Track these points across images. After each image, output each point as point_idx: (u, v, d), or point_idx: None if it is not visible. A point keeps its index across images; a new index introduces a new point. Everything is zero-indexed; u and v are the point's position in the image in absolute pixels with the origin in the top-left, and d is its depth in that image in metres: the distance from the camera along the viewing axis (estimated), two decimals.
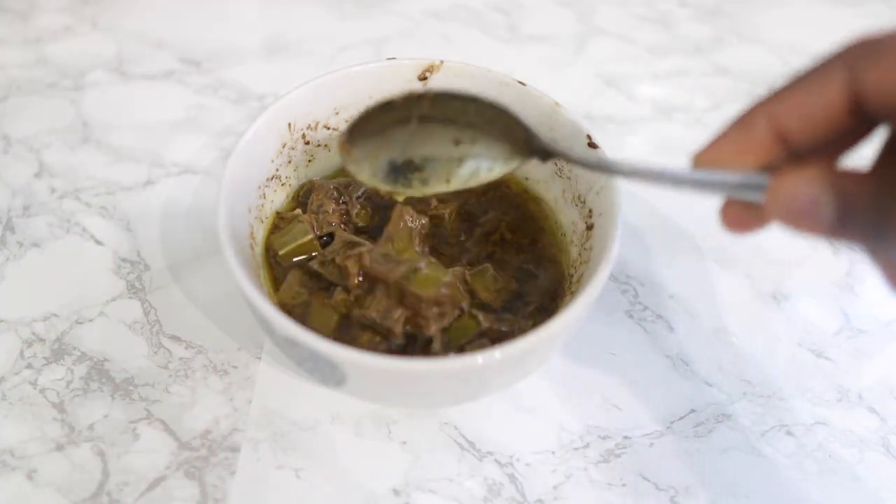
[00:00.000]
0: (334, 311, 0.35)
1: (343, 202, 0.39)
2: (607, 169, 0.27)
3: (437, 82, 0.41)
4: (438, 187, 0.32)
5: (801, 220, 0.21)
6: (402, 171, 0.32)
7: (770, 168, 0.22)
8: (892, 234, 0.19)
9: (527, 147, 0.30)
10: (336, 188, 0.39)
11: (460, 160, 0.32)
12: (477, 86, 0.41)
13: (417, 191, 0.32)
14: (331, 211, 0.38)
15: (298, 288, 0.36)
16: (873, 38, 0.20)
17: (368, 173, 0.32)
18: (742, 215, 0.23)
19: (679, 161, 0.51)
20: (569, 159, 0.29)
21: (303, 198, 0.40)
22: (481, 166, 0.31)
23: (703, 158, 0.23)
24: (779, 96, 0.22)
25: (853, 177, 0.20)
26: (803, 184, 0.20)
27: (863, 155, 0.23)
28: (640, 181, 0.25)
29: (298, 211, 0.39)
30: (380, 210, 0.40)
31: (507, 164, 0.31)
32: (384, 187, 0.32)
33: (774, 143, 0.22)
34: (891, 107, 0.20)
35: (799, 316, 0.43)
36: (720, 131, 0.23)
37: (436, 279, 0.34)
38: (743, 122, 0.23)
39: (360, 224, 0.39)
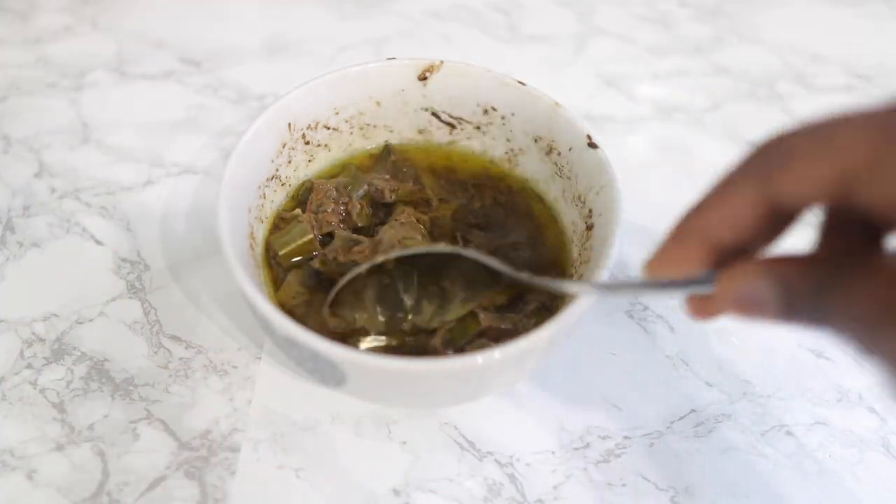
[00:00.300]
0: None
1: (343, 202, 0.39)
2: (573, 288, 0.31)
3: (438, 82, 0.41)
4: (431, 317, 0.35)
5: (751, 312, 0.22)
6: (394, 313, 0.35)
7: (719, 263, 0.23)
8: (833, 319, 0.20)
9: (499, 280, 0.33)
10: (336, 188, 0.39)
11: (444, 295, 0.35)
12: (477, 86, 0.41)
13: (415, 322, 0.35)
14: (330, 210, 0.38)
15: (298, 288, 0.36)
16: (775, 143, 0.21)
17: (365, 330, 0.35)
18: (704, 306, 0.24)
19: (679, 160, 0.52)
20: (537, 286, 0.32)
21: (302, 197, 0.40)
22: (465, 297, 0.35)
23: (653, 269, 0.25)
24: (701, 211, 0.23)
25: (794, 266, 0.21)
26: (748, 281, 0.22)
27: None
28: (608, 296, 0.29)
29: (298, 211, 0.39)
30: (380, 209, 0.40)
31: (488, 292, 0.35)
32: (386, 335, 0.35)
33: (710, 252, 0.23)
34: (812, 203, 0.21)
35: None
36: (661, 244, 0.24)
37: None
38: (676, 238, 0.24)
39: (360, 224, 0.39)
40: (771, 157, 0.21)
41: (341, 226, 0.38)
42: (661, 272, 0.24)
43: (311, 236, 0.37)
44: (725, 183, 0.22)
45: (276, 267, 0.37)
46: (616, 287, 0.28)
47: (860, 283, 0.20)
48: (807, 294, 0.21)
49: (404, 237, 0.36)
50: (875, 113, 0.19)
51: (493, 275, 0.33)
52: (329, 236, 0.38)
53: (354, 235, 0.37)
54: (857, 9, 0.67)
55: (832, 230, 0.22)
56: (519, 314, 0.36)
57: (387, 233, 0.37)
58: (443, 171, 0.43)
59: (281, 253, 0.37)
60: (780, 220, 0.22)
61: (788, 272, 0.21)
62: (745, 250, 0.23)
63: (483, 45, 0.60)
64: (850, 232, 0.22)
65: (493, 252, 0.39)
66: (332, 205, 0.39)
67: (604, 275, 0.32)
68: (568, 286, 0.32)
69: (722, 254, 0.23)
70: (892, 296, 0.19)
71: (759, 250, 0.23)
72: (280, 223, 0.38)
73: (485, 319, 0.35)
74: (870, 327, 0.19)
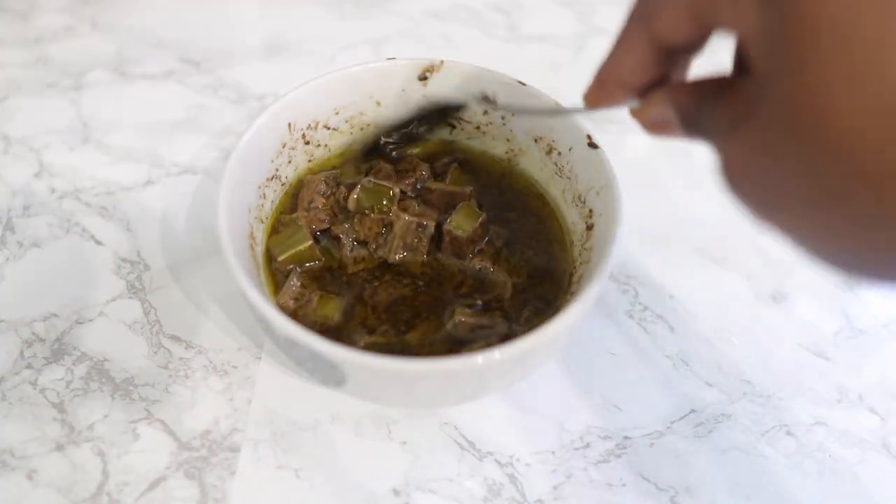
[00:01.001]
0: (336, 307, 0.36)
1: (331, 193, 0.39)
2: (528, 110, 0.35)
3: (438, 82, 0.41)
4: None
5: (663, 132, 0.26)
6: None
7: (643, 93, 0.27)
8: (706, 134, 0.24)
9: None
10: (325, 181, 0.39)
11: None
12: (477, 86, 0.41)
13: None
14: (321, 206, 0.38)
15: (299, 289, 0.36)
16: None
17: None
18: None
19: (679, 160, 0.51)
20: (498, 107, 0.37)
21: (295, 192, 0.40)
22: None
23: (590, 102, 0.28)
24: (609, 59, 0.26)
25: (688, 90, 0.25)
26: (654, 106, 0.26)
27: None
28: (550, 116, 0.34)
29: (297, 215, 0.39)
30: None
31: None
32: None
33: (629, 89, 0.26)
34: (686, 41, 0.23)
35: (799, 316, 0.43)
36: (589, 85, 0.28)
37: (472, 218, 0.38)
38: (599, 82, 0.27)
39: (351, 208, 0.39)
40: (649, 4, 0.24)
41: (326, 221, 0.39)
42: (596, 103, 0.28)
43: (309, 243, 0.37)
44: (621, 34, 0.25)
45: (276, 271, 0.37)
46: (567, 110, 0.34)
47: (717, 102, 0.23)
48: (693, 113, 0.25)
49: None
50: None
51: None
52: (323, 233, 0.38)
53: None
54: None
55: (734, 57, 0.25)
56: (518, 315, 0.36)
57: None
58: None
59: (279, 259, 0.37)
60: (677, 53, 0.25)
61: (682, 97, 0.25)
62: (666, 76, 0.26)
63: (483, 45, 0.60)
64: (738, 58, 0.24)
65: (499, 250, 0.39)
66: (322, 200, 0.39)
67: (604, 276, 0.32)
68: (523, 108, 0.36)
69: (639, 89, 0.26)
70: (733, 110, 0.22)
71: (678, 75, 0.27)
72: (279, 227, 0.38)
73: (459, 314, 0.35)
74: (720, 139, 0.22)
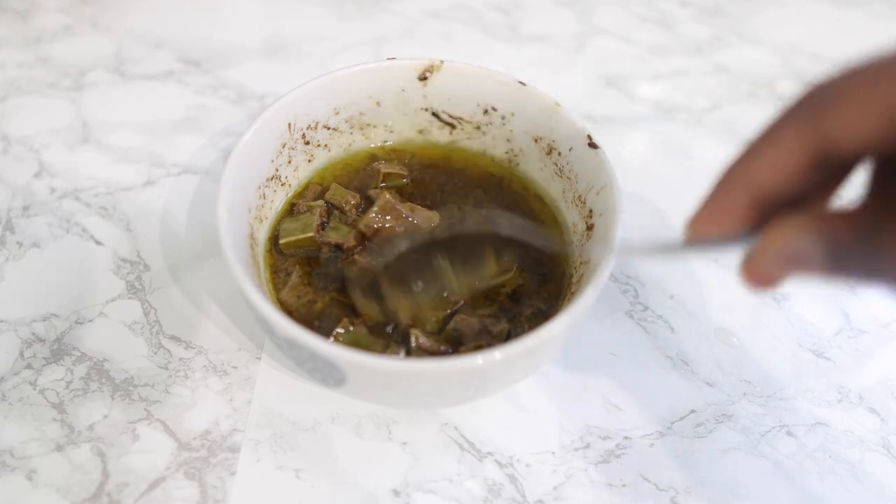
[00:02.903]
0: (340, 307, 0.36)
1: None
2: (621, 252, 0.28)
3: (438, 82, 0.41)
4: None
5: (796, 269, 0.21)
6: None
7: (763, 220, 0.22)
8: (887, 266, 0.19)
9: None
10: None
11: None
12: (477, 86, 0.41)
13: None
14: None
15: (303, 287, 0.36)
16: (826, 84, 0.20)
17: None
18: (758, 270, 0.23)
19: (679, 160, 0.52)
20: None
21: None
22: None
23: (697, 225, 0.24)
24: (747, 158, 0.22)
25: (842, 219, 0.20)
26: (792, 235, 0.20)
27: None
28: (645, 258, 0.26)
29: (321, 202, 0.39)
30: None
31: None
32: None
33: (756, 204, 0.22)
34: (864, 146, 0.19)
35: (799, 316, 0.43)
36: (705, 197, 0.23)
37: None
38: (721, 188, 0.23)
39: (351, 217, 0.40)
40: (822, 97, 0.20)
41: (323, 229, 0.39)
42: (705, 229, 0.23)
43: (311, 234, 0.37)
44: (774, 127, 0.21)
45: (277, 254, 0.38)
46: (654, 249, 0.26)
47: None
48: (855, 244, 0.19)
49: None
50: None
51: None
52: (338, 248, 0.38)
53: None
54: (857, 9, 0.67)
55: (883, 180, 0.21)
56: (518, 316, 0.36)
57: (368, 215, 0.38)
58: (444, 171, 0.43)
59: (281, 242, 0.37)
60: (829, 171, 0.21)
61: (835, 225, 0.20)
62: (792, 207, 0.22)
63: (483, 45, 0.60)
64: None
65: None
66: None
67: (604, 276, 0.31)
68: (602, 250, 0.30)
69: (766, 209, 0.22)
70: None
71: (806, 209, 0.22)
72: (296, 209, 0.39)
73: (461, 320, 0.35)
74: None
